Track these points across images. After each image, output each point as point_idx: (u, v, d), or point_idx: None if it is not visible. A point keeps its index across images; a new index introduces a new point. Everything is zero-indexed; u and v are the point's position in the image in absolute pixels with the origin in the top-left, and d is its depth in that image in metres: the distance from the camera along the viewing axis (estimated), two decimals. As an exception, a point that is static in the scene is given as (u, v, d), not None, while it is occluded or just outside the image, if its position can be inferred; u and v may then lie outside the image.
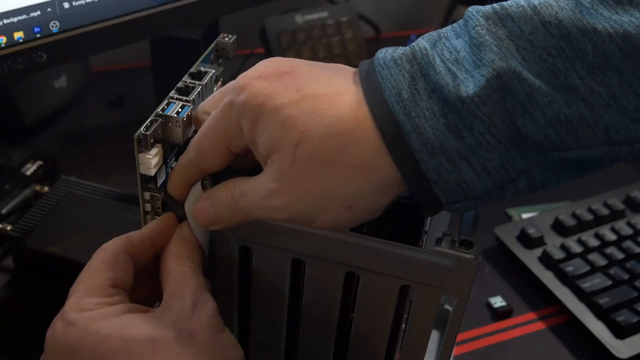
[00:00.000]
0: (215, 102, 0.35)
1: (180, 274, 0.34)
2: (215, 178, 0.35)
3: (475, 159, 0.30)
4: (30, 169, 0.60)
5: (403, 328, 0.37)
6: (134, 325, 0.32)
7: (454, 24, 0.32)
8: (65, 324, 0.32)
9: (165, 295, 0.34)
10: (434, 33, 0.32)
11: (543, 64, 0.29)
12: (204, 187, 0.35)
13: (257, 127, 0.31)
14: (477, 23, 0.30)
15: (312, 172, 0.31)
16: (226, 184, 0.34)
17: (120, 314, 0.32)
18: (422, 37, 0.32)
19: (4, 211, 0.56)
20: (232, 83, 0.33)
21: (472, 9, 0.31)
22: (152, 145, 0.34)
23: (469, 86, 0.29)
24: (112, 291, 0.33)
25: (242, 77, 0.33)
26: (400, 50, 0.31)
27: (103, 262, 0.34)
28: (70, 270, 0.52)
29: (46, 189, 0.59)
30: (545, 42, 0.29)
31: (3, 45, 0.49)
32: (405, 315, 0.37)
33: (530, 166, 0.30)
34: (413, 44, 0.31)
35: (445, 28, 0.32)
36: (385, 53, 0.32)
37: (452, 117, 0.29)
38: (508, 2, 0.30)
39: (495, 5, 0.30)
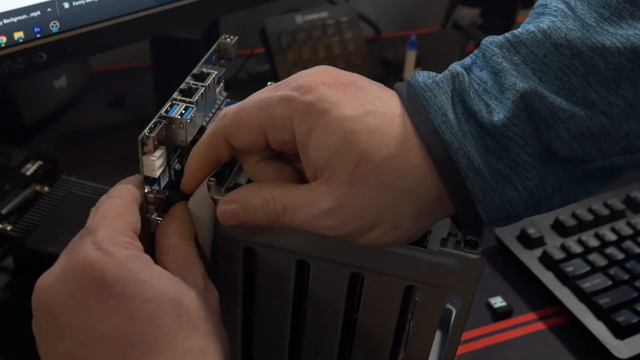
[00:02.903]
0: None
1: (187, 253, 0.34)
2: (219, 180, 0.35)
3: (516, 179, 0.31)
4: (30, 169, 0.60)
5: (407, 328, 0.37)
6: (167, 281, 0.31)
7: (473, 56, 0.33)
8: (103, 253, 0.30)
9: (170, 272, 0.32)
10: (458, 66, 0.33)
11: (559, 83, 0.30)
12: (209, 188, 0.35)
13: (315, 133, 0.31)
14: (493, 53, 0.31)
15: (369, 193, 0.31)
16: (258, 190, 0.33)
17: (151, 263, 0.31)
18: (454, 64, 0.33)
19: (4, 211, 0.56)
20: (292, 81, 0.33)
21: (487, 41, 0.32)
22: (156, 147, 0.34)
23: (499, 112, 0.30)
24: (135, 236, 0.33)
25: (305, 79, 0.32)
26: (439, 75, 0.32)
27: (125, 207, 0.33)
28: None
29: (46, 189, 0.59)
30: (559, 62, 0.30)
31: (3, 45, 0.49)
32: (410, 316, 0.37)
33: (562, 181, 0.31)
34: (450, 69, 0.32)
35: (466, 60, 0.33)
36: (424, 77, 0.32)
37: (489, 139, 0.30)
38: (518, 30, 0.32)
39: (507, 34, 0.32)
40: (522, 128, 0.30)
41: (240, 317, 0.39)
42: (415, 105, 0.31)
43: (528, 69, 0.31)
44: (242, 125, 0.33)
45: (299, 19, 0.77)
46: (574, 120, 0.30)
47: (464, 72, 0.32)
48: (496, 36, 0.32)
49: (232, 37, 0.42)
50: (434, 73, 0.33)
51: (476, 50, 0.33)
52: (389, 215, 0.31)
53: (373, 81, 0.34)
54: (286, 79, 0.34)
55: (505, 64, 0.31)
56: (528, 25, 0.32)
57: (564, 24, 0.31)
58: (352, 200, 0.31)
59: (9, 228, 0.54)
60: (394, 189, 0.31)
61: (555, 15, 0.31)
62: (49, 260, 0.53)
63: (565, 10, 0.31)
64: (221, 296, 0.38)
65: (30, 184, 0.59)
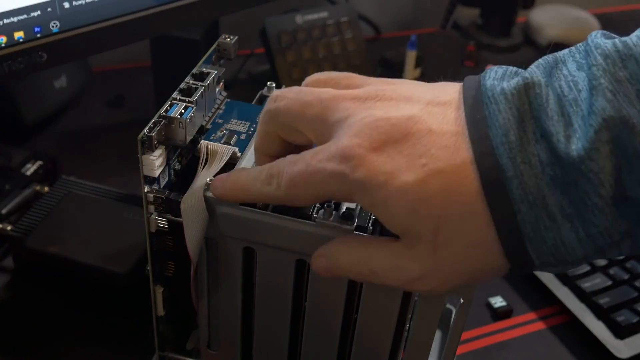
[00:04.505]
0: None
1: None
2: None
3: (579, 221, 0.27)
4: (30, 169, 0.60)
5: (407, 328, 0.37)
6: None
7: (575, 48, 0.29)
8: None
9: None
10: (550, 58, 0.29)
11: None
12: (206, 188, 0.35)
13: (379, 208, 0.29)
14: (595, 62, 0.27)
15: (457, 256, 0.29)
16: (344, 246, 0.32)
17: None
18: (537, 63, 0.29)
19: (4, 211, 0.56)
20: (338, 143, 0.29)
21: (593, 40, 0.28)
22: (156, 147, 0.34)
23: (579, 139, 0.26)
24: None
25: (352, 142, 0.29)
26: (512, 81, 0.28)
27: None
28: (70, 270, 0.53)
29: (46, 189, 0.59)
30: None
31: (3, 45, 0.49)
32: (410, 315, 0.37)
33: (634, 227, 0.27)
34: (527, 73, 0.28)
35: (564, 52, 0.29)
36: (495, 81, 0.29)
37: (558, 169, 0.27)
38: (633, 38, 0.27)
39: (617, 41, 0.27)
40: (601, 164, 0.26)
41: (240, 317, 0.39)
42: (477, 115, 0.28)
43: (632, 90, 0.26)
44: (297, 199, 0.32)
45: (299, 19, 0.77)
46: None
47: (541, 80, 0.28)
48: (606, 36, 0.28)
49: (232, 37, 0.42)
50: (510, 71, 0.29)
51: (580, 45, 0.29)
52: (479, 269, 0.29)
53: (435, 112, 0.29)
54: (323, 116, 0.31)
55: (603, 81, 0.26)
56: None
57: None
58: (441, 265, 0.29)
59: (9, 228, 0.54)
60: (482, 245, 0.28)
61: None
62: (49, 260, 0.54)
63: None
64: (221, 296, 0.38)
65: (30, 184, 0.59)
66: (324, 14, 0.78)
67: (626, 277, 0.57)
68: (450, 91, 0.30)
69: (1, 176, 0.59)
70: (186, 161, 0.39)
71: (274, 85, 0.43)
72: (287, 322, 0.38)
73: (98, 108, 0.76)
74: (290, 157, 0.31)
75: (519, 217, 0.27)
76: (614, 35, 0.28)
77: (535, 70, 0.29)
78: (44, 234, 0.54)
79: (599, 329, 0.54)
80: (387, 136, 0.29)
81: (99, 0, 0.52)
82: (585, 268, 0.58)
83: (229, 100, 0.43)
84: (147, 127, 0.34)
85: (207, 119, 0.40)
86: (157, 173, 0.35)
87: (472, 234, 0.28)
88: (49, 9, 0.50)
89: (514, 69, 0.30)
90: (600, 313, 0.55)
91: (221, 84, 0.42)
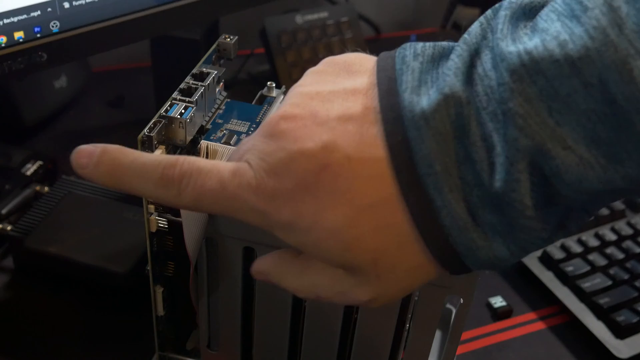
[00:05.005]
0: None
1: None
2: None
3: (510, 238, 0.26)
4: (30, 169, 0.60)
5: (407, 328, 0.37)
6: None
7: (487, 26, 0.27)
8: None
9: None
10: (469, 42, 0.26)
11: (582, 131, 0.24)
12: None
13: (311, 248, 0.28)
14: (502, 80, 0.25)
15: (401, 278, 0.28)
16: (285, 270, 0.31)
17: None
18: (457, 53, 0.26)
19: (4, 211, 0.56)
20: (257, 185, 0.27)
21: (498, 43, 0.25)
22: (156, 147, 0.34)
23: (500, 168, 0.25)
24: None
25: (274, 185, 0.27)
26: (431, 98, 0.26)
27: None
28: (70, 270, 0.53)
29: (46, 189, 0.59)
30: (586, 105, 0.23)
31: (3, 45, 0.49)
32: (409, 315, 0.37)
33: (563, 219, 0.27)
34: (446, 85, 0.26)
35: (476, 30, 0.26)
36: (413, 95, 0.26)
37: (486, 192, 0.26)
38: (537, 48, 0.24)
39: (522, 52, 0.24)
40: (522, 192, 0.25)
41: (240, 317, 0.39)
42: (398, 137, 0.26)
43: (543, 108, 0.24)
44: (203, 211, 0.31)
45: (299, 19, 0.77)
46: (587, 183, 0.24)
47: (461, 97, 0.25)
48: (509, 45, 0.25)
49: (232, 37, 0.42)
50: (429, 86, 0.26)
51: (489, 25, 0.26)
52: (426, 280, 0.29)
53: (350, 131, 0.27)
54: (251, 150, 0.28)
55: (512, 105, 0.24)
56: (551, 40, 0.24)
57: (602, 54, 0.23)
58: (387, 288, 0.28)
59: (9, 228, 0.54)
60: (422, 266, 0.28)
61: (592, 37, 0.23)
62: (49, 260, 0.54)
63: (608, 26, 0.22)
64: (221, 296, 0.38)
65: (30, 184, 0.59)
66: (324, 14, 0.78)
67: (626, 277, 0.57)
68: (360, 90, 0.28)
69: (1, 176, 0.59)
70: (186, 161, 0.39)
71: (274, 85, 0.43)
72: (287, 322, 0.38)
73: (98, 108, 0.76)
74: (198, 161, 0.28)
75: (451, 240, 0.26)
76: (518, 29, 0.25)
77: (452, 77, 0.26)
78: (44, 234, 0.54)
79: (599, 329, 0.54)
80: (306, 172, 0.26)
81: (99, 0, 0.52)
82: (585, 268, 0.58)
83: (229, 100, 0.43)
84: (147, 127, 0.34)
85: (207, 119, 0.40)
86: (157, 173, 0.35)
87: (411, 259, 0.27)
88: (49, 9, 0.50)
89: (429, 55, 0.27)
90: (600, 313, 0.55)
91: (221, 84, 0.42)
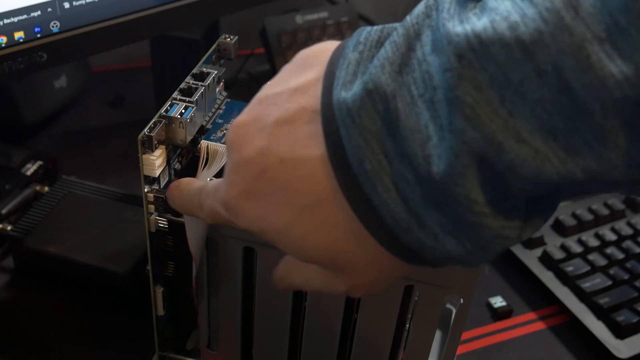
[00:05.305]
0: None
1: None
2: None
3: (464, 236, 0.25)
4: (30, 169, 0.60)
5: (407, 328, 0.37)
6: None
7: (431, 6, 0.24)
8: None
9: None
10: (401, 44, 0.24)
11: (536, 122, 0.22)
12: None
13: (275, 244, 0.29)
14: (449, 66, 0.22)
15: (366, 270, 0.28)
16: (289, 269, 0.32)
17: None
18: (385, 49, 0.25)
19: (4, 211, 0.56)
20: (220, 198, 0.29)
21: (443, 23, 0.23)
22: (156, 147, 0.34)
23: (441, 159, 0.23)
24: None
25: (227, 196, 0.28)
26: (355, 91, 0.25)
27: None
28: (70, 270, 0.53)
29: (46, 189, 0.59)
30: (540, 94, 0.22)
31: (3, 45, 0.49)
32: (410, 315, 0.37)
33: (529, 214, 0.25)
34: (370, 80, 0.24)
35: (420, 12, 0.24)
36: (343, 91, 0.25)
37: (428, 188, 0.24)
38: (487, 29, 0.22)
39: (470, 34, 0.22)
40: (468, 186, 0.23)
41: (240, 317, 0.39)
42: (332, 137, 0.25)
43: (495, 96, 0.22)
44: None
45: (299, 19, 0.77)
46: (545, 177, 0.22)
47: (386, 91, 0.24)
48: (456, 25, 0.23)
49: (232, 37, 0.42)
50: (355, 80, 0.25)
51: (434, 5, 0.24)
52: (398, 270, 0.29)
53: (284, 134, 0.27)
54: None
55: (460, 92, 0.22)
56: (500, 21, 0.22)
57: (556, 38, 0.21)
58: (358, 279, 0.28)
59: (9, 228, 0.54)
60: (381, 259, 0.27)
61: (546, 20, 0.21)
62: (49, 260, 0.54)
63: (563, 7, 0.21)
64: (221, 296, 0.38)
65: (30, 184, 0.59)
66: (324, 14, 0.78)
67: (626, 277, 0.57)
68: (303, 88, 0.27)
69: (1, 176, 0.59)
70: (186, 161, 0.39)
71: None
72: (287, 322, 0.38)
73: (98, 108, 0.76)
74: (206, 186, 0.32)
75: (402, 239, 0.25)
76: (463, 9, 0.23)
77: (379, 70, 0.24)
78: (44, 234, 0.53)
79: (599, 329, 0.54)
80: (249, 179, 0.27)
81: (99, 0, 0.52)
82: (585, 268, 0.58)
83: (229, 100, 0.43)
84: (147, 127, 0.34)
85: (207, 118, 0.40)
86: (157, 173, 0.35)
87: (367, 252, 0.27)
88: (49, 9, 0.50)
89: (373, 42, 0.26)
90: (600, 313, 0.55)
91: (221, 84, 0.42)
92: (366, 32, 0.26)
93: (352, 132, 0.25)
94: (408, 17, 0.25)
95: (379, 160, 0.24)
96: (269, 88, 0.29)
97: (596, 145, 0.21)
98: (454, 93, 0.22)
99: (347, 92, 0.25)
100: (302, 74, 0.27)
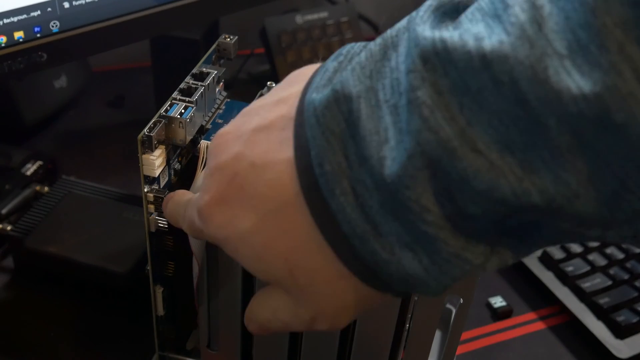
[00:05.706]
0: None
1: None
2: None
3: (421, 250, 0.24)
4: (30, 169, 0.60)
5: (407, 328, 0.37)
6: None
7: (416, 16, 0.24)
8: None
9: None
10: (390, 35, 0.24)
11: (493, 133, 0.21)
12: None
13: (238, 259, 0.28)
14: (413, 68, 0.22)
15: (326, 291, 0.27)
16: (260, 301, 0.30)
17: None
18: (360, 56, 0.25)
19: (4, 211, 0.56)
20: (196, 207, 0.29)
21: (416, 26, 0.23)
22: (156, 147, 0.34)
23: (394, 162, 0.23)
24: None
25: (201, 203, 0.28)
26: (323, 94, 0.25)
27: None
28: (70, 271, 0.53)
29: (46, 189, 0.59)
30: (497, 106, 0.21)
31: (3, 45, 0.49)
32: (409, 315, 0.37)
33: (495, 243, 0.24)
34: (339, 82, 0.24)
35: (402, 25, 0.24)
36: (315, 92, 0.25)
37: (385, 194, 0.23)
38: (455, 35, 0.22)
39: (437, 39, 0.22)
40: (418, 191, 0.22)
41: (240, 317, 0.39)
42: (302, 141, 0.25)
43: (454, 103, 0.22)
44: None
45: (299, 19, 0.77)
46: (498, 193, 0.22)
47: (352, 93, 0.24)
48: (426, 30, 0.23)
49: (232, 37, 0.42)
50: (327, 82, 0.25)
51: (401, 35, 0.24)
52: (362, 299, 0.27)
53: (259, 140, 0.27)
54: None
55: (421, 93, 0.22)
56: (470, 28, 0.22)
57: (515, 50, 0.20)
58: (318, 303, 0.27)
59: (9, 228, 0.54)
60: (342, 277, 0.26)
61: (508, 32, 0.21)
62: (49, 260, 0.54)
63: (527, 22, 0.21)
64: (221, 296, 0.38)
65: (30, 184, 0.59)
66: (324, 14, 0.78)
67: (626, 277, 0.57)
68: (287, 99, 0.27)
69: (1, 176, 0.59)
70: (186, 161, 0.39)
71: (274, 85, 0.43)
72: (287, 322, 0.38)
73: (98, 108, 0.76)
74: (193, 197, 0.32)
75: (359, 250, 0.24)
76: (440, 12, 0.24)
77: (354, 67, 0.25)
78: (44, 234, 0.54)
79: (599, 329, 0.54)
80: (222, 184, 0.27)
81: (99, 0, 0.52)
82: (585, 268, 0.58)
83: (229, 100, 0.43)
84: (147, 127, 0.34)
85: (207, 118, 0.40)
86: (157, 173, 0.35)
87: (325, 268, 0.26)
88: (49, 9, 0.50)
89: (354, 54, 0.25)
90: (600, 313, 0.55)
91: (221, 84, 0.42)
92: (349, 46, 0.26)
93: (315, 132, 0.24)
94: (389, 30, 0.25)
95: (339, 163, 0.24)
96: (256, 102, 0.29)
97: (553, 165, 0.21)
98: (415, 94, 0.22)
99: (318, 94, 0.25)
100: (288, 89, 0.28)
